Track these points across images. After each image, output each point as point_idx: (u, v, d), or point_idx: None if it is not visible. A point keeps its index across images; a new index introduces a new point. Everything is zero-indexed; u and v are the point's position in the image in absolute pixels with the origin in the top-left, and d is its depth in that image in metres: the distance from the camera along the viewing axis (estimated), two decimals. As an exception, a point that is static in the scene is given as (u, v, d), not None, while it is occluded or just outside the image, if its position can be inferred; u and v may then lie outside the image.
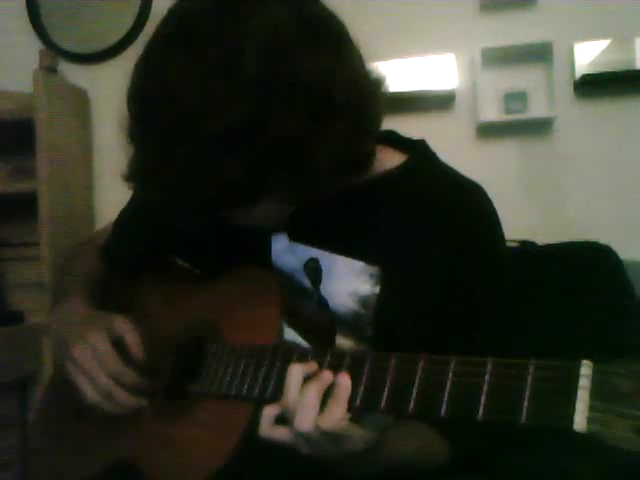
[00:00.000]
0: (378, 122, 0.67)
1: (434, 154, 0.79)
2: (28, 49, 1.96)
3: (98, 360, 0.73)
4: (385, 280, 0.71)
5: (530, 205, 1.73)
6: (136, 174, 0.62)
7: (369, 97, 0.63)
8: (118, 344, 0.75)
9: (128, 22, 1.95)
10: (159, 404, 0.74)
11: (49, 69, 1.85)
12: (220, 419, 0.66)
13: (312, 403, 0.55)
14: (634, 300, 1.12)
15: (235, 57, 0.54)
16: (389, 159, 0.76)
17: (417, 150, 0.78)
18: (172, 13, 0.60)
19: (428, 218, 0.73)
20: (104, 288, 0.94)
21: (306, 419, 0.55)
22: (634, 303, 1.12)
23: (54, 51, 1.96)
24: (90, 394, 0.73)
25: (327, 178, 0.61)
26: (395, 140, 0.79)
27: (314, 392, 0.56)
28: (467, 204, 0.74)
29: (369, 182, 0.74)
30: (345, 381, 0.56)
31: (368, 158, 0.68)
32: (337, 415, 0.54)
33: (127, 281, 0.94)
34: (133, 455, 0.73)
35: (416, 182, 0.75)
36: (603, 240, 1.19)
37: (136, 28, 1.95)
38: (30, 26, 2.01)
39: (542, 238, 1.31)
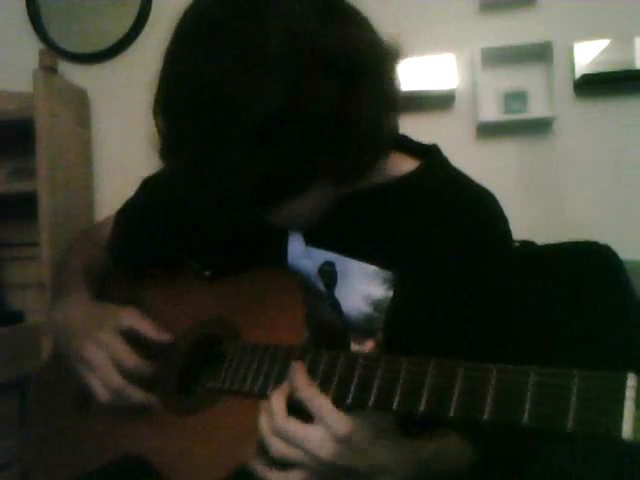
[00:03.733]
0: (399, 88, 0.67)
1: (446, 159, 0.80)
2: (28, 49, 1.95)
3: (113, 360, 0.73)
4: (398, 284, 0.71)
5: (530, 205, 1.73)
6: (176, 174, 0.63)
7: (389, 59, 0.63)
8: (129, 337, 0.75)
9: (128, 22, 1.95)
10: (171, 400, 0.74)
11: (49, 69, 1.85)
12: (242, 416, 0.65)
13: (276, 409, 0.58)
14: (634, 300, 1.12)
15: (260, 42, 0.54)
16: (402, 164, 0.77)
17: (430, 155, 0.78)
18: (192, 8, 0.60)
19: (440, 223, 0.73)
20: (105, 285, 0.93)
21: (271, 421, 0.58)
22: (634, 303, 1.12)
23: (54, 51, 1.96)
24: (102, 394, 0.73)
25: (370, 150, 0.62)
26: (408, 145, 0.80)
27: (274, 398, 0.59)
28: (478, 210, 0.74)
29: (383, 187, 0.74)
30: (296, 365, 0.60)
31: (395, 134, 0.69)
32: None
33: (131, 277, 0.93)
34: (143, 450, 0.72)
35: (429, 187, 0.75)
36: (603, 240, 1.19)
37: (136, 28, 1.95)
38: (30, 26, 2.01)
39: (542, 238, 1.31)
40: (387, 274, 0.72)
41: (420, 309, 0.72)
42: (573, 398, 0.46)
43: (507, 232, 0.76)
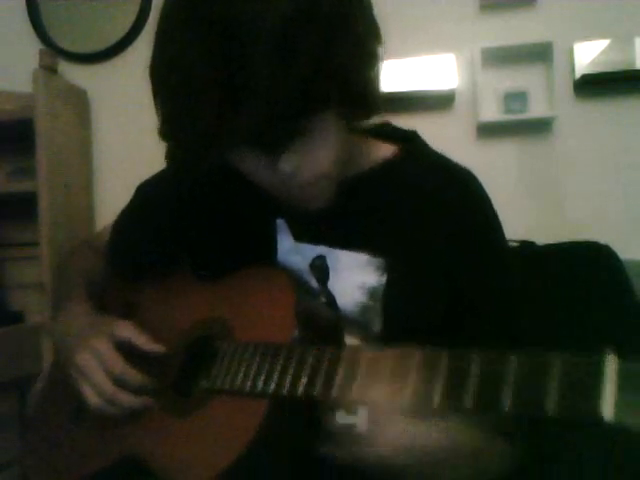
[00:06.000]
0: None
1: (425, 143, 0.81)
2: (28, 49, 1.96)
3: (101, 365, 0.74)
4: (391, 270, 0.72)
5: (530, 205, 1.73)
6: (192, 124, 0.58)
7: None
8: (122, 348, 0.76)
9: (128, 22, 1.95)
10: (169, 402, 0.74)
11: (49, 69, 1.85)
12: (233, 416, 0.65)
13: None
14: (634, 300, 1.12)
15: None
16: (382, 151, 0.78)
17: (408, 140, 0.79)
18: None
19: (425, 205, 0.74)
20: (104, 290, 0.94)
21: None
22: (634, 303, 1.12)
23: (54, 51, 1.96)
24: (93, 400, 0.73)
25: (374, 58, 0.64)
26: (387, 132, 0.81)
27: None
28: (462, 190, 0.75)
29: (364, 175, 0.75)
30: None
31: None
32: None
33: (129, 281, 0.93)
34: (140, 452, 0.72)
35: (411, 171, 0.76)
36: (603, 240, 1.19)
37: (136, 28, 1.95)
38: (30, 26, 2.02)
39: (542, 238, 1.31)
40: (379, 261, 0.72)
41: (415, 293, 0.72)
42: (554, 382, 0.45)
43: (490, 207, 0.76)
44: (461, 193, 0.74)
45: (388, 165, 0.76)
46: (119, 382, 0.73)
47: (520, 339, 0.73)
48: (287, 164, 0.63)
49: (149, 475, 0.69)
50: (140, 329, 0.78)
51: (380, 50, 0.66)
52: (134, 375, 0.74)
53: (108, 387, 0.73)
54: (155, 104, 0.62)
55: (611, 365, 0.44)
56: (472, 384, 0.50)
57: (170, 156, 0.67)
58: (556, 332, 1.13)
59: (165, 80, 0.59)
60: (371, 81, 0.65)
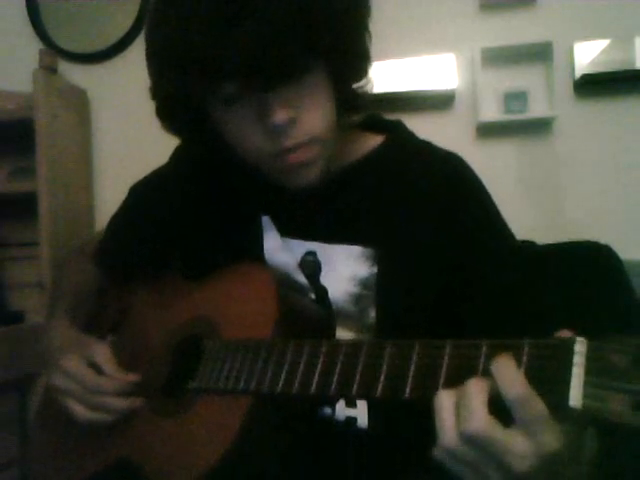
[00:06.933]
0: None
1: (409, 131, 0.81)
2: (28, 49, 1.96)
3: (74, 381, 0.73)
4: (382, 259, 0.71)
5: (530, 205, 1.73)
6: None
7: None
8: (96, 367, 0.75)
9: (128, 22, 1.95)
10: (159, 404, 0.74)
11: (49, 69, 1.85)
12: (218, 414, 0.65)
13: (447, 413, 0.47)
14: (634, 300, 1.12)
15: None
16: (368, 142, 0.78)
17: (393, 130, 0.80)
18: None
19: (407, 192, 0.73)
20: (97, 297, 0.94)
21: (444, 431, 0.47)
22: (634, 303, 1.12)
23: (54, 51, 1.96)
24: (81, 413, 0.73)
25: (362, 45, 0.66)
26: (374, 123, 0.81)
27: (447, 403, 0.48)
28: (445, 173, 0.74)
29: (350, 166, 0.76)
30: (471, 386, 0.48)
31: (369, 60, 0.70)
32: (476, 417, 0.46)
33: (120, 287, 0.94)
34: (133, 455, 0.73)
35: (395, 158, 0.76)
36: (603, 240, 1.19)
37: (136, 28, 1.95)
38: (30, 26, 2.02)
39: (542, 238, 1.31)
40: (369, 251, 0.72)
41: (406, 282, 0.72)
42: (522, 368, 0.45)
43: (480, 189, 0.75)
44: (446, 177, 0.73)
45: (373, 155, 0.76)
46: (96, 391, 0.73)
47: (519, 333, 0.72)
48: (280, 113, 0.61)
49: (143, 478, 0.69)
50: (113, 356, 0.76)
51: (370, 25, 0.67)
52: (108, 384, 0.73)
53: (89, 395, 0.72)
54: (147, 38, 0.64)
55: (579, 348, 0.42)
56: (444, 373, 0.49)
57: (160, 91, 0.66)
58: (555, 332, 1.13)
59: (164, 9, 0.61)
60: (362, 52, 0.66)
